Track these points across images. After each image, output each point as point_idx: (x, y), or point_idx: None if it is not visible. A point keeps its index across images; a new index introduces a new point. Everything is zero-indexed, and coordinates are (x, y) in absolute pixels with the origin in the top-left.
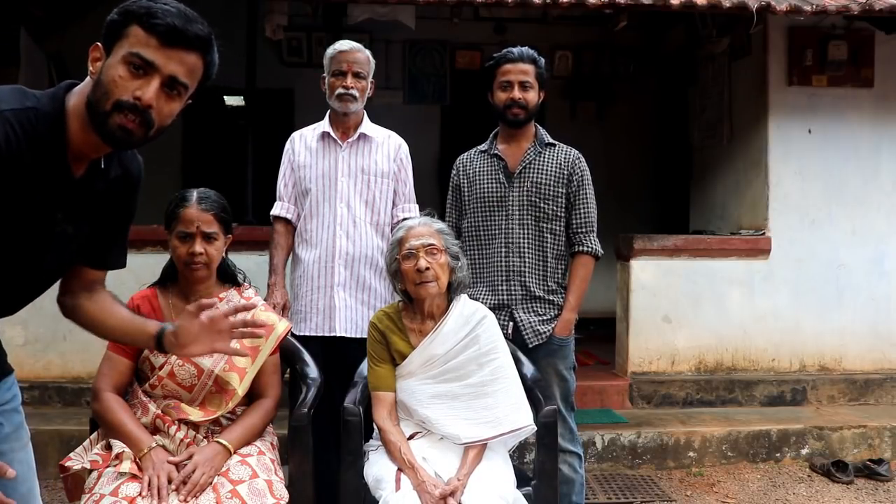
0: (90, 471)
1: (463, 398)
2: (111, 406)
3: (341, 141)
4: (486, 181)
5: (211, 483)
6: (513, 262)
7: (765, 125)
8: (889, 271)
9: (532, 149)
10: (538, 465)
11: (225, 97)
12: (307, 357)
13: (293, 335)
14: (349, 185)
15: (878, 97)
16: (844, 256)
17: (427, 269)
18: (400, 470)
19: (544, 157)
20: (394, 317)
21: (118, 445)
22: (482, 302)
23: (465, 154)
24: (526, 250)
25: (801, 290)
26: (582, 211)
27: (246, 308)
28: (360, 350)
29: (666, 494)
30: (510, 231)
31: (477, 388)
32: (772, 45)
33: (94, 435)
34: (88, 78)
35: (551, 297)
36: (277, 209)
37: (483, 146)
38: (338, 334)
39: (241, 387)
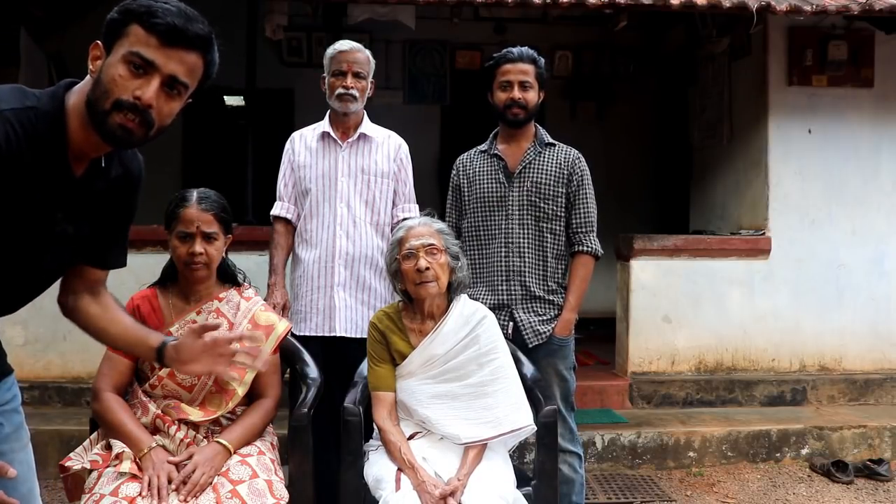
0: (90, 471)
1: (463, 398)
2: (111, 406)
3: (341, 141)
4: (486, 181)
5: (211, 483)
6: (513, 261)
7: (765, 125)
8: (889, 271)
9: (532, 149)
10: (538, 465)
11: (225, 97)
12: (307, 357)
13: (293, 335)
14: (349, 185)
15: (878, 97)
16: (844, 256)
17: (427, 269)
18: (400, 470)
19: (544, 157)
20: (394, 317)
21: (118, 445)
22: (482, 302)
23: (465, 154)
24: (526, 250)
25: (801, 290)
26: (582, 211)
27: (253, 338)
28: (360, 350)
29: (666, 494)
30: (510, 231)
31: (477, 388)
32: (772, 45)
33: (94, 435)
34: (88, 77)
35: (551, 297)
36: (277, 209)
37: (483, 146)
38: (338, 334)
39: (241, 387)
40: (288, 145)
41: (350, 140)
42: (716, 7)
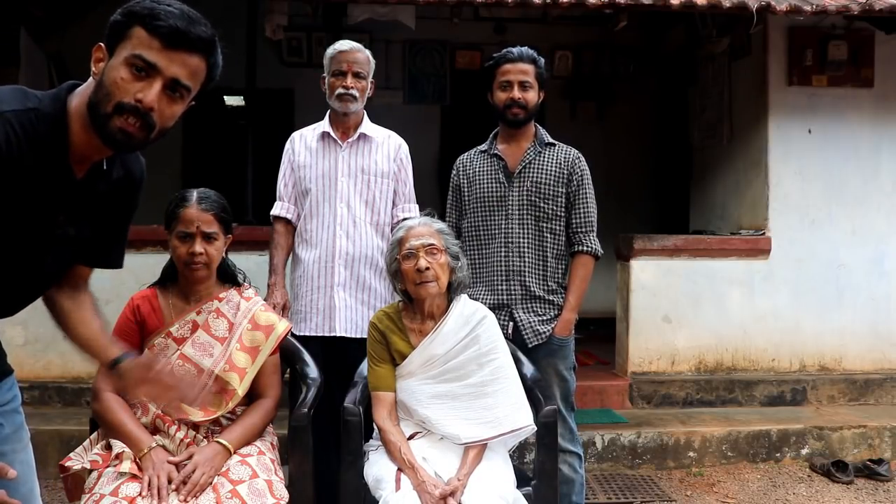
0: (90, 471)
1: (463, 398)
2: (111, 406)
3: (341, 141)
4: (485, 181)
5: (211, 483)
6: (513, 261)
7: (765, 125)
8: (889, 271)
9: (532, 149)
10: (538, 465)
11: (225, 97)
12: (307, 357)
13: (293, 335)
14: (349, 185)
15: (878, 97)
16: (844, 256)
17: (427, 269)
18: (400, 470)
19: (544, 157)
20: (394, 317)
21: (118, 445)
22: (482, 302)
23: (465, 154)
24: (526, 250)
25: (801, 290)
26: (582, 211)
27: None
28: (360, 350)
29: (666, 494)
30: (510, 231)
31: (477, 388)
32: (772, 45)
33: (94, 435)
34: (91, 78)
35: (551, 297)
36: (277, 209)
37: (483, 146)
38: (338, 334)
39: (241, 387)
40: (288, 145)
41: (350, 140)
42: (716, 7)
